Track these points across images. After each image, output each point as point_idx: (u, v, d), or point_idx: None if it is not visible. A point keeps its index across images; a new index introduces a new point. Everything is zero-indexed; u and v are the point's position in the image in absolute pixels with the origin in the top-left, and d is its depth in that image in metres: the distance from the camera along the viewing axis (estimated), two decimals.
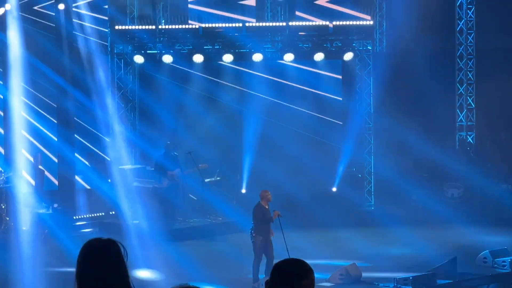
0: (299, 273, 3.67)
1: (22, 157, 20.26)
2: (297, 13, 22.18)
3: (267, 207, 14.58)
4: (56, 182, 21.51)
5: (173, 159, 20.17)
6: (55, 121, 21.24)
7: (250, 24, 21.83)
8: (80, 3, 21.33)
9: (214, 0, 22.60)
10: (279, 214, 14.19)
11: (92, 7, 21.55)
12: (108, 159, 21.27)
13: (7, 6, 20.18)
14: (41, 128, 21.41)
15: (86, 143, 21.94)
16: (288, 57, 21.42)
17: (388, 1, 22.89)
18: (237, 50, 21.60)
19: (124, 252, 3.87)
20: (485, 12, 22.56)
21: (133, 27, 21.48)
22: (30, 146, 20.95)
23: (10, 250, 17.45)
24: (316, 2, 22.76)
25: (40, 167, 20.62)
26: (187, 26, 21.76)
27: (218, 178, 21.02)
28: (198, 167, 19.93)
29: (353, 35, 21.85)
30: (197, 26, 21.55)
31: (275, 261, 8.87)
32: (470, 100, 23.03)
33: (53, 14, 20.94)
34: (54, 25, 20.97)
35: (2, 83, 20.91)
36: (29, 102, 20.91)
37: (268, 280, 3.74)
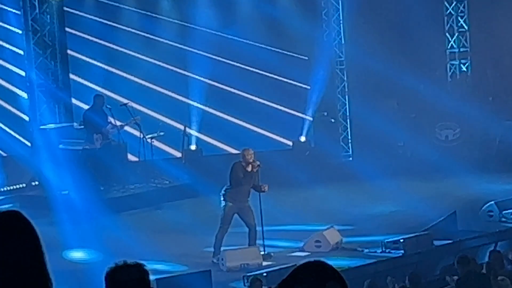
0: None
1: None
2: None
3: (248, 169, 14.43)
4: None
5: (104, 114, 19.49)
6: None
7: None
8: None
9: None
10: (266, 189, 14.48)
11: None
12: (27, 118, 20.72)
13: None
14: None
15: None
16: None
17: None
18: None
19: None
20: None
21: None
22: None
23: None
24: None
25: None
26: None
27: (161, 133, 20.19)
28: (134, 119, 19.17)
29: None
30: None
31: None
32: (461, 21, 22.19)
33: None
34: None
35: None
36: None
37: None
